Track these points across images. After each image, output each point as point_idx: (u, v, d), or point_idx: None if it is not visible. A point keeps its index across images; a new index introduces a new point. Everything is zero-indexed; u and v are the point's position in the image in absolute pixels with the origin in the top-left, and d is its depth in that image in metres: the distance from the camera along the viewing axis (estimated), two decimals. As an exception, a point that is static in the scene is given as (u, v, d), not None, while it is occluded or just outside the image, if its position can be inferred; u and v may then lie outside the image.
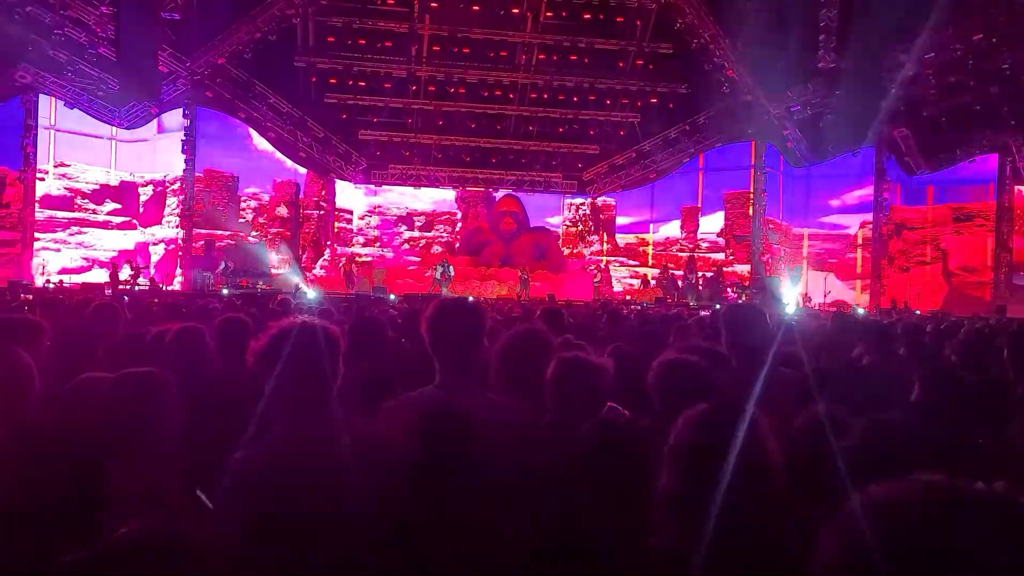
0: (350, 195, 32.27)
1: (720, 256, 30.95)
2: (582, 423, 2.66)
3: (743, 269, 29.58)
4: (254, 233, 29.73)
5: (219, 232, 28.73)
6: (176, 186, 28.27)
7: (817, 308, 24.41)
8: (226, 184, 29.96)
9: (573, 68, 28.94)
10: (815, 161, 29.15)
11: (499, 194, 32.36)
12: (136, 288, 21.70)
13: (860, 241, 30.41)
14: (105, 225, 28.54)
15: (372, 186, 31.94)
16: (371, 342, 4.30)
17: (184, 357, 3.79)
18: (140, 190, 30.01)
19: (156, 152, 28.83)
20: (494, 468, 2.37)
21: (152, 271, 27.12)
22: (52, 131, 27.72)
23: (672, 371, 2.95)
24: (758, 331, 3.96)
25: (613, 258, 32.70)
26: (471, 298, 5.14)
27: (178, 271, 27.21)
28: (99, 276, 25.13)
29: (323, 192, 31.43)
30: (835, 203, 30.49)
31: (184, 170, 27.03)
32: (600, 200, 32.84)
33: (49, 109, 26.86)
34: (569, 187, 32.44)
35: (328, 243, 31.50)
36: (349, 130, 29.84)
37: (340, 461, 2.39)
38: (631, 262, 32.82)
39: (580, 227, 33.26)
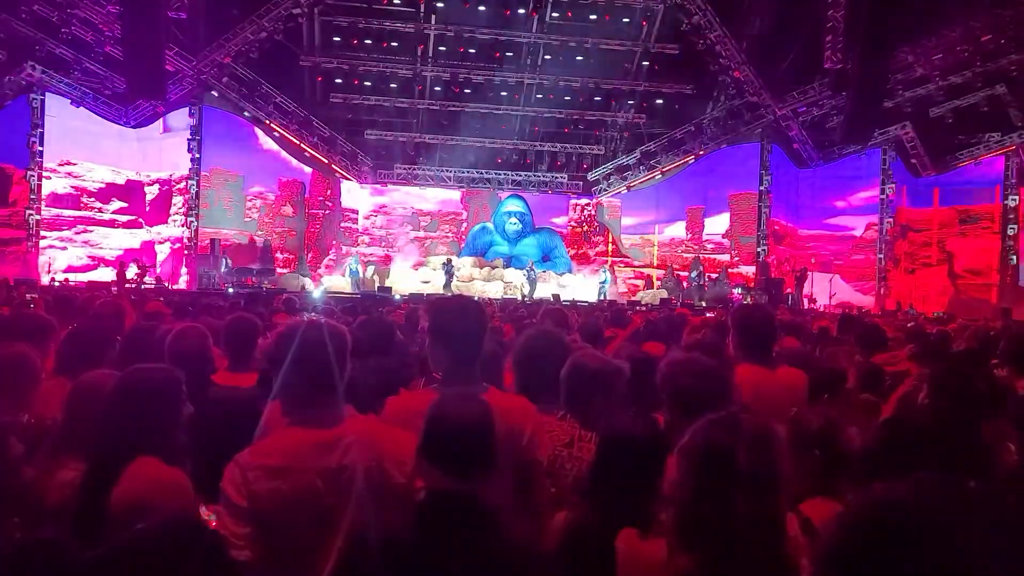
0: (356, 194, 32.26)
1: (725, 257, 30.88)
2: (596, 422, 2.67)
3: (748, 270, 29.52)
4: (260, 232, 29.73)
5: (225, 231, 28.74)
6: (182, 185, 28.28)
7: (822, 309, 24.39)
8: (231, 183, 29.96)
9: (579, 68, 28.92)
10: (821, 162, 29.11)
11: (504, 194, 32.34)
12: (142, 287, 21.75)
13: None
14: (111, 224, 28.56)
15: (378, 186, 31.95)
16: (379, 340, 4.30)
17: (186, 356, 3.78)
18: (146, 189, 30.03)
19: (162, 151, 28.83)
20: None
21: (158, 270, 27.16)
22: (58, 129, 27.76)
23: (681, 371, 2.94)
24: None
25: (618, 259, 32.66)
26: (474, 296, 5.15)
27: (183, 270, 27.25)
28: (105, 275, 25.16)
29: (329, 191, 31.46)
30: (840, 204, 30.38)
31: (190, 169, 27.08)
32: (605, 200, 32.80)
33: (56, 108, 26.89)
34: (574, 187, 32.42)
35: (334, 242, 31.53)
36: (355, 130, 29.89)
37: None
38: (636, 263, 32.78)
39: (585, 227, 33.23)
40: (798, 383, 3.90)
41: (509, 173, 31.88)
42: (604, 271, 29.21)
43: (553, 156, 31.76)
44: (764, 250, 28.76)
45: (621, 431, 2.53)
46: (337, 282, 27.77)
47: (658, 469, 2.29)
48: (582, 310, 15.00)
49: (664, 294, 27.35)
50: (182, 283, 26.52)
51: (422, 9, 26.76)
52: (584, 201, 33.14)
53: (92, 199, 28.45)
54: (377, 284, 26.96)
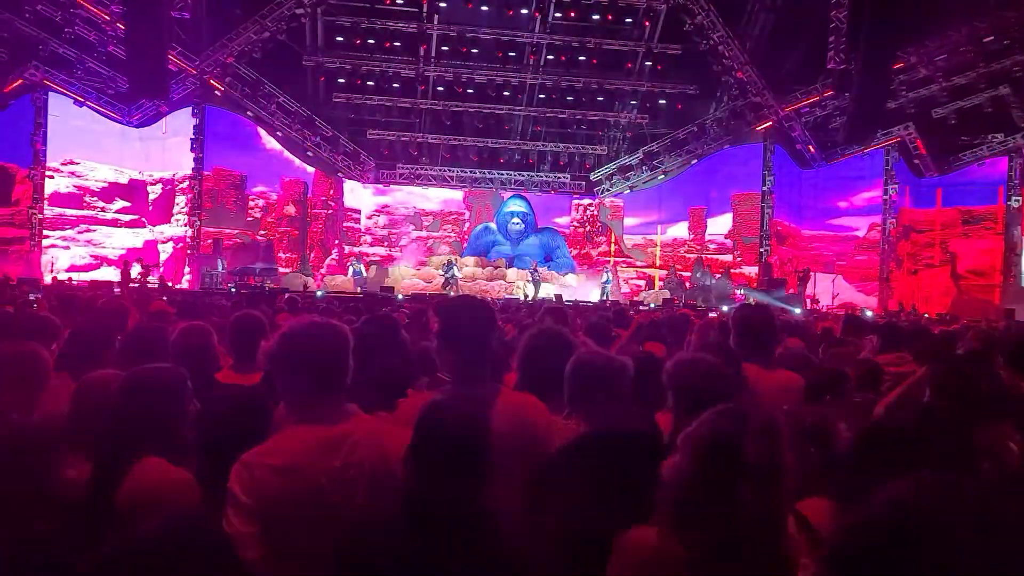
0: (358, 194, 32.28)
1: (728, 258, 30.87)
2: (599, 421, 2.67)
3: (751, 271, 29.52)
4: (262, 232, 29.76)
5: (227, 230, 28.77)
6: (185, 184, 28.31)
7: (825, 310, 24.35)
8: (234, 183, 29.98)
9: (581, 69, 28.92)
10: (824, 163, 29.10)
11: (507, 194, 32.35)
12: (146, 286, 21.76)
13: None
14: (114, 223, 28.59)
15: (380, 185, 31.96)
16: (383, 340, 4.30)
17: (191, 354, 3.79)
18: (149, 188, 30.06)
19: (165, 150, 28.85)
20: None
21: (161, 269, 27.19)
22: (61, 129, 27.80)
23: (689, 370, 2.94)
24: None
25: (620, 259, 32.67)
26: (480, 296, 5.17)
27: (186, 269, 27.29)
28: (107, 274, 25.19)
29: (331, 191, 31.49)
30: (843, 205, 30.37)
31: (193, 169, 27.11)
32: (608, 201, 32.80)
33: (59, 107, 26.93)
34: (577, 188, 32.44)
35: (336, 242, 31.56)
36: (357, 129, 29.90)
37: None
38: (638, 263, 32.78)
39: (588, 228, 33.24)
40: (793, 385, 3.93)
41: (512, 173, 31.89)
42: (607, 271, 29.20)
43: (556, 156, 31.76)
44: (767, 251, 28.74)
45: (615, 430, 2.53)
46: (340, 282, 27.78)
47: (654, 468, 2.29)
48: (586, 310, 15.01)
49: (667, 294, 27.35)
50: (185, 283, 26.55)
51: (425, 9, 26.75)
52: (587, 201, 33.15)
53: (95, 198, 28.48)
54: (380, 284, 26.96)
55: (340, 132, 29.59)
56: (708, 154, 30.24)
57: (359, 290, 25.72)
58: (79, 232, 27.61)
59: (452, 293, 25.22)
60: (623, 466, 2.39)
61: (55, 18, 22.84)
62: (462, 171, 31.47)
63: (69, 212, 27.45)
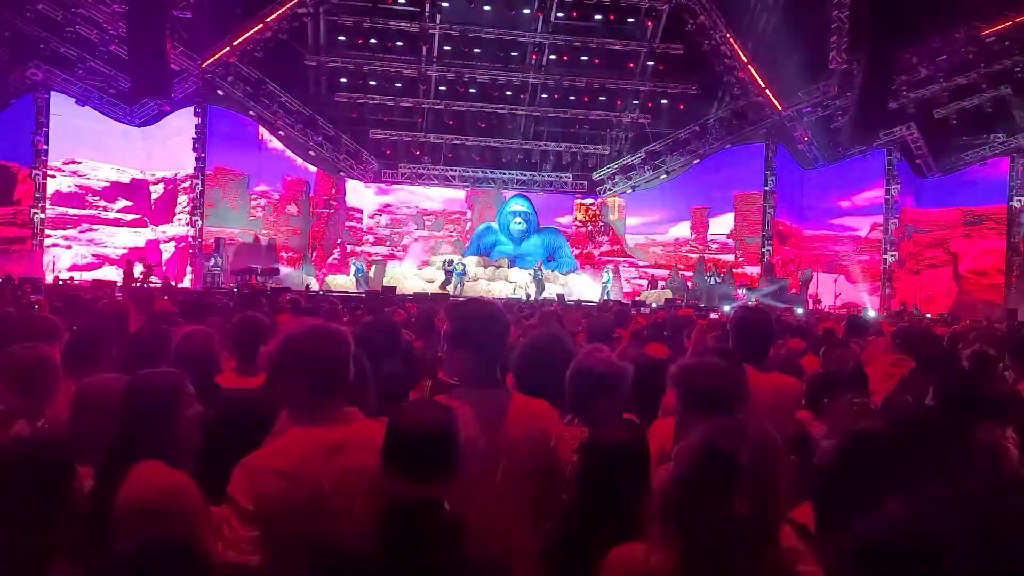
0: (360, 194, 32.26)
1: (730, 257, 30.85)
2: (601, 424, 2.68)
3: (753, 271, 29.51)
4: (264, 231, 29.75)
5: (229, 230, 28.77)
6: (187, 184, 28.31)
7: (827, 310, 24.33)
8: (236, 182, 29.98)
9: (584, 68, 28.93)
10: (826, 162, 29.07)
11: (509, 194, 32.33)
12: (148, 286, 21.78)
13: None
14: (116, 222, 28.58)
15: (382, 185, 31.96)
16: (385, 342, 4.30)
17: (192, 358, 3.78)
18: (151, 188, 30.05)
19: (167, 150, 28.84)
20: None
21: (163, 268, 27.19)
22: (63, 128, 27.82)
23: (695, 373, 2.94)
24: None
25: (622, 258, 32.64)
26: (491, 299, 5.16)
27: (188, 269, 27.29)
28: (109, 273, 25.19)
29: (333, 191, 31.47)
30: (845, 205, 30.33)
31: (195, 168, 27.12)
32: (610, 200, 32.79)
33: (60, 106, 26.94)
34: (579, 187, 32.41)
35: (338, 242, 31.55)
36: (359, 129, 29.88)
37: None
38: (640, 262, 32.75)
39: (590, 227, 33.21)
40: (786, 388, 3.96)
41: (514, 172, 31.87)
42: (607, 271, 29.19)
43: (558, 156, 31.74)
44: (769, 250, 28.74)
45: (602, 439, 2.53)
46: (342, 281, 27.79)
47: (641, 477, 2.30)
48: (589, 310, 15.00)
49: (669, 294, 27.33)
50: (187, 282, 26.56)
51: (427, 8, 26.74)
52: (589, 201, 33.12)
53: (97, 197, 28.47)
54: (381, 283, 26.96)
55: (342, 131, 29.58)
56: (710, 154, 30.22)
57: (361, 289, 25.71)
58: (81, 231, 27.61)
59: (454, 293, 25.25)
60: (607, 479, 2.40)
61: (56, 17, 22.84)
62: (464, 171, 31.46)
63: (71, 211, 27.45)
